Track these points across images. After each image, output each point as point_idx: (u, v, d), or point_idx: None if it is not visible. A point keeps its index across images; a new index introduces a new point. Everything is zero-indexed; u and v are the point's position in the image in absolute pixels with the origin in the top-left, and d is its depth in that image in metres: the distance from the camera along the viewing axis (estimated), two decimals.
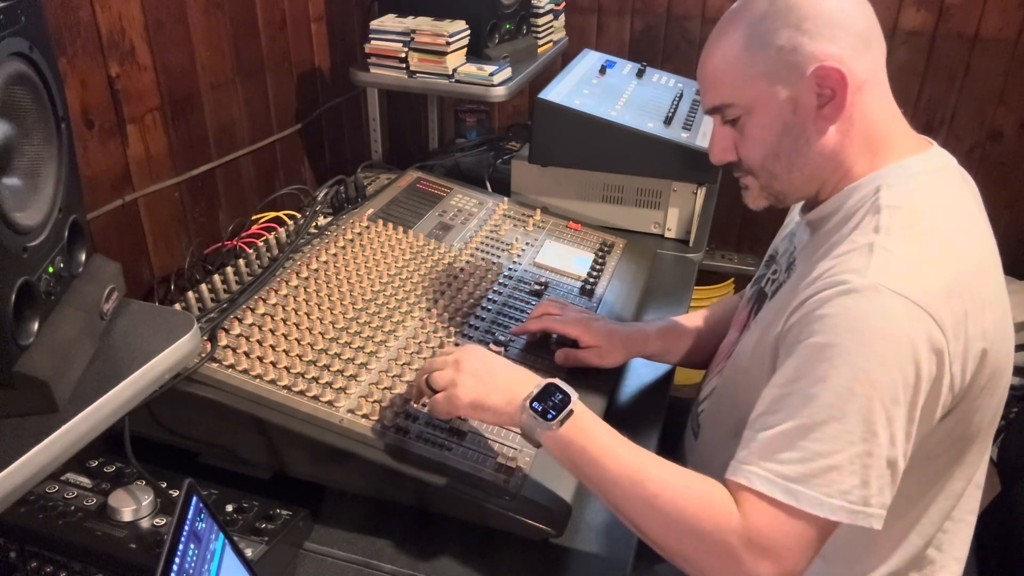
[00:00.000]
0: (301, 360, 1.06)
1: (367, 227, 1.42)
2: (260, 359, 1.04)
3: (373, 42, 1.82)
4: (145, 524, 0.90)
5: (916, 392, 0.81)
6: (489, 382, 0.94)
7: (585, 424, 0.90)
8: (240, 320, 1.11)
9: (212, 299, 1.16)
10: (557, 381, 0.93)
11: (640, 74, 2.00)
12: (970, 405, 0.89)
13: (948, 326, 0.81)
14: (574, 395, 0.92)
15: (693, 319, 1.32)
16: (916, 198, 0.90)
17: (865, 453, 0.80)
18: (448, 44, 1.77)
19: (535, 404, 0.91)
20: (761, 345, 0.94)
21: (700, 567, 0.84)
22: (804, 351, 0.84)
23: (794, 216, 1.15)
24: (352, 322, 1.16)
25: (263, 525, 0.93)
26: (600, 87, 1.83)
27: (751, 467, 0.83)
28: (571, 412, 0.90)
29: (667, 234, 1.74)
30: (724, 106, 0.96)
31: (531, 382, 0.94)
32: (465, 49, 1.86)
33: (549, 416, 0.89)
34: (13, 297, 0.63)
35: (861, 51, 0.90)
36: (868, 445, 0.80)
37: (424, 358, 1.12)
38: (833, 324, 0.82)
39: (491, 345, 1.19)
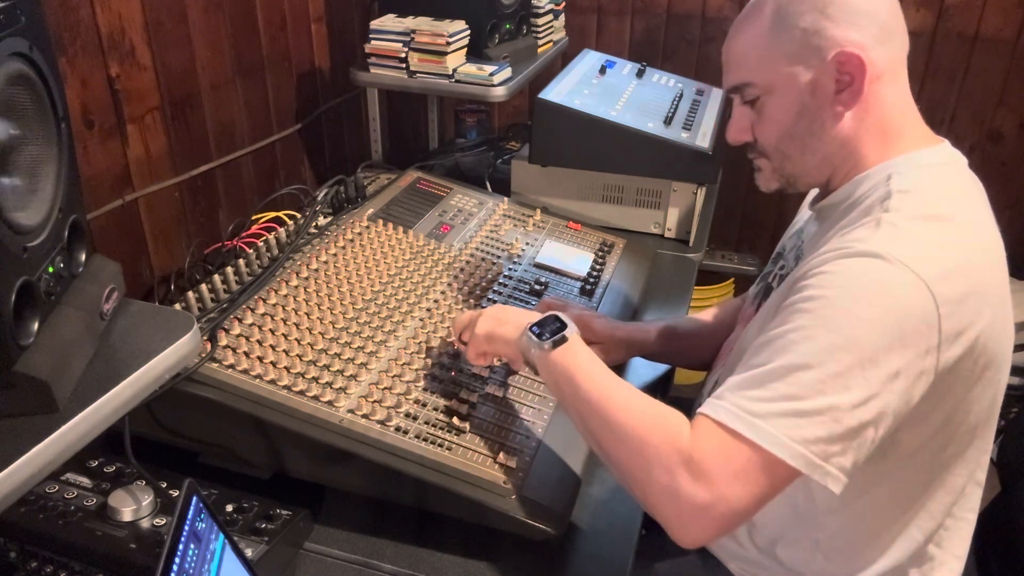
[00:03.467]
0: (301, 360, 1.06)
1: (367, 227, 1.42)
2: (260, 359, 1.04)
3: (373, 42, 1.82)
4: (145, 524, 0.90)
5: (903, 362, 0.80)
6: (503, 318, 1.06)
7: (575, 350, 0.97)
8: (240, 320, 1.11)
9: (212, 299, 1.16)
10: (561, 315, 1.00)
11: (640, 74, 2.00)
12: (966, 395, 0.88)
13: (944, 303, 0.80)
14: (572, 326, 0.99)
15: (695, 320, 1.32)
16: (927, 186, 0.90)
17: (834, 406, 0.78)
18: (448, 44, 1.77)
19: (534, 328, 0.99)
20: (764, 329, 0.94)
21: (640, 484, 0.86)
22: (796, 303, 0.84)
23: (802, 215, 1.16)
24: (352, 322, 1.16)
25: (263, 525, 0.93)
26: (600, 87, 1.83)
27: (719, 401, 0.83)
28: (564, 339, 0.96)
29: (667, 234, 1.74)
30: (744, 85, 0.97)
31: (538, 317, 1.02)
32: (465, 49, 1.86)
33: (544, 338, 0.97)
34: (13, 297, 0.63)
35: (883, 41, 0.91)
36: (839, 398, 0.78)
37: (424, 358, 1.13)
38: (829, 280, 0.82)
39: None
